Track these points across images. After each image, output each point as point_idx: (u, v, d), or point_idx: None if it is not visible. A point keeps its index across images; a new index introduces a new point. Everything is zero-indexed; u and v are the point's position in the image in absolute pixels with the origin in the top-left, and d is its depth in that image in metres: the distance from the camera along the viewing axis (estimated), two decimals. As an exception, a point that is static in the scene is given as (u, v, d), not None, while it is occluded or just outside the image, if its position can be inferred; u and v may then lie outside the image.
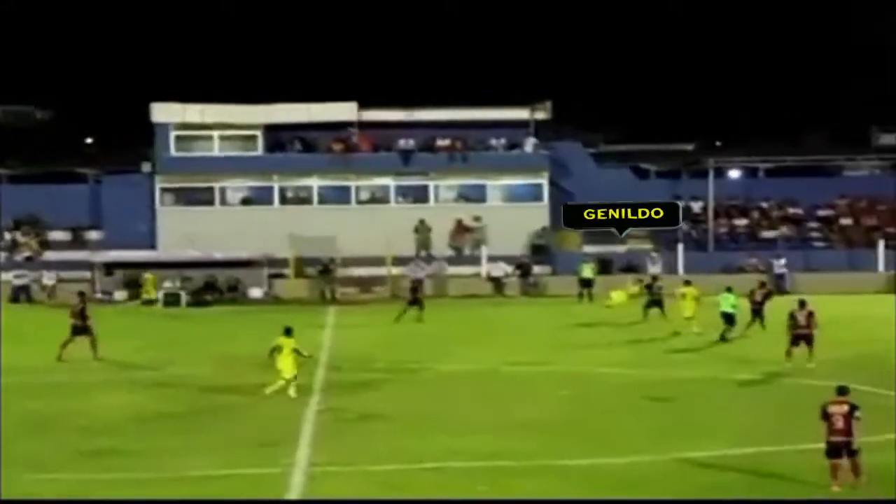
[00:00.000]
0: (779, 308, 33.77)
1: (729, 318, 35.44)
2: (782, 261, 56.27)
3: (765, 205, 64.64)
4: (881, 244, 57.90)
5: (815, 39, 79.47)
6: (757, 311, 37.10)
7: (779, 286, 51.62)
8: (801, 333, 29.93)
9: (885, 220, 62.19)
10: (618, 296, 44.02)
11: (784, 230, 62.55)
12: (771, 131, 76.03)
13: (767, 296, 38.26)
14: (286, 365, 25.91)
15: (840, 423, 16.62)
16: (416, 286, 47.19)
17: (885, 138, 72.63)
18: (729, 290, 36.26)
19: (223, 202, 60.21)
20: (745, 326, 36.01)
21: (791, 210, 64.45)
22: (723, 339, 35.03)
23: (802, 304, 30.81)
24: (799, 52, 79.96)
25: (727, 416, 23.23)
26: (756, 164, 69.29)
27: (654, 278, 44.54)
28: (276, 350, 26.13)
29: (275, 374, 25.79)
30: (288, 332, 26.48)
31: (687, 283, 40.03)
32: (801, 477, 17.21)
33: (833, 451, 16.62)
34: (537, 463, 19.07)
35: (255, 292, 54.49)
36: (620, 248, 56.57)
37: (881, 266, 57.12)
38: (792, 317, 30.33)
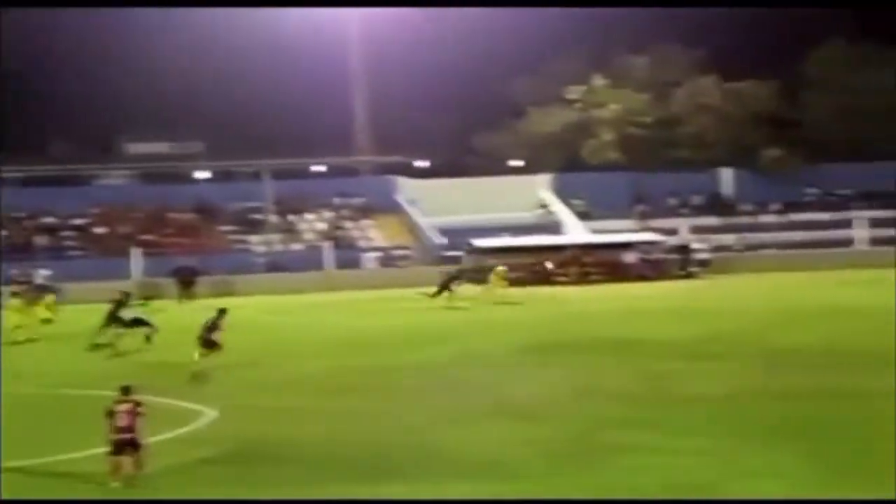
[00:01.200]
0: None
1: (137, 322, 34.04)
2: (45, 271, 55.77)
3: (19, 215, 64.08)
4: (135, 251, 59.46)
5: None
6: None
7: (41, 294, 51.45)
8: (209, 339, 29.34)
9: (139, 228, 64.18)
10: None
11: (41, 240, 62.46)
12: (18, 142, 74.56)
13: None
14: None
15: (125, 421, 17.30)
16: None
17: (133, 147, 75.08)
18: (146, 299, 34.86)
19: None
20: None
21: (46, 220, 64.54)
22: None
23: (222, 312, 29.54)
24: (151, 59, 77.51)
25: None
26: (6, 175, 68.39)
27: None
28: None
29: None
30: None
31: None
32: (94, 478, 17.66)
33: (117, 448, 17.25)
34: None
35: None
36: None
37: (135, 272, 57.74)
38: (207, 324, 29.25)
